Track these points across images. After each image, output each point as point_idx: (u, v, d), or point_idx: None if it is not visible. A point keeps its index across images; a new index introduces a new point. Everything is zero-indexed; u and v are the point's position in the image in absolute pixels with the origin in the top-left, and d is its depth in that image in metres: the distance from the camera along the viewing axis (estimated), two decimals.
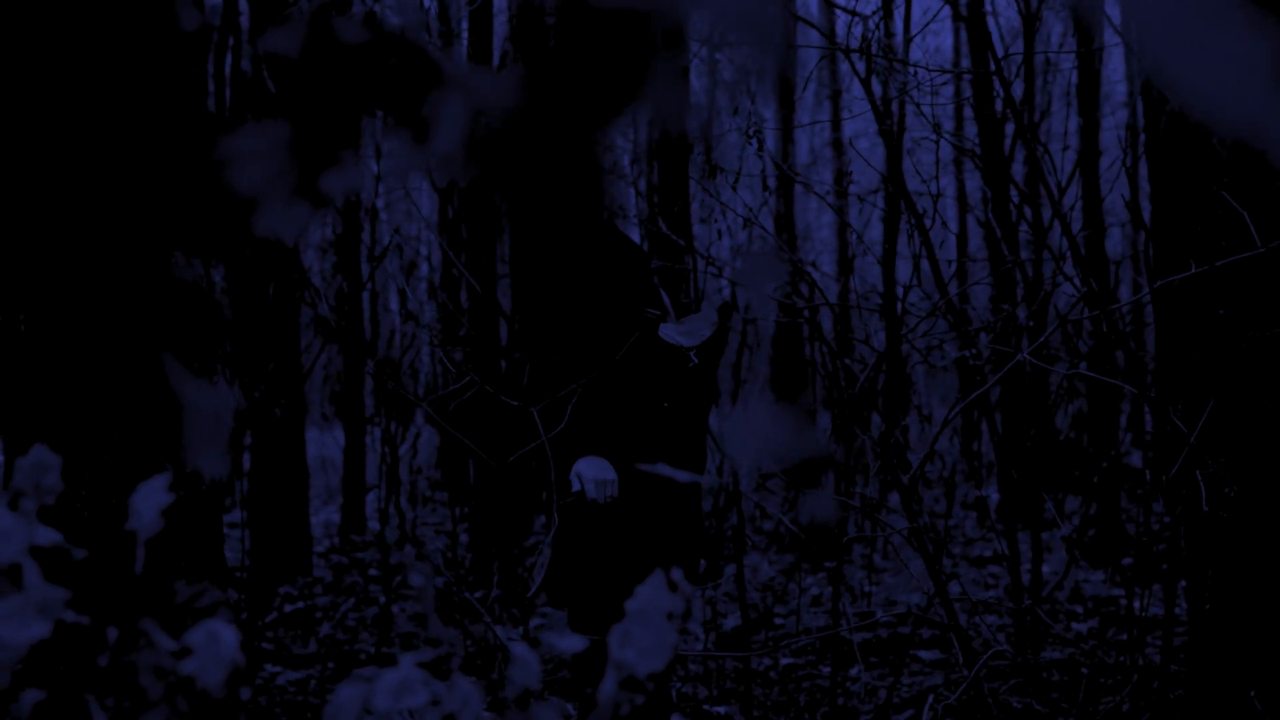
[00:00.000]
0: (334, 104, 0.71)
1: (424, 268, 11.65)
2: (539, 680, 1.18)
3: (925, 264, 4.29)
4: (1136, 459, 11.17)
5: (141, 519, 1.10)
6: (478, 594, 6.91)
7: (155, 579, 1.17)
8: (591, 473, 3.49)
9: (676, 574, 1.22)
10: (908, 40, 3.89)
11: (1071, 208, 4.00)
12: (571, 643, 1.15)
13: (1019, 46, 9.47)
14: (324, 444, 13.87)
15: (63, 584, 1.07)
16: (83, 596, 1.08)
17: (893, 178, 3.71)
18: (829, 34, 5.78)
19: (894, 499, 9.99)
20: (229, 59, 7.96)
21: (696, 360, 3.61)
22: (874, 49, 3.94)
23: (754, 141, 4.71)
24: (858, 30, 4.11)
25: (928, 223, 4.15)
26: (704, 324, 3.65)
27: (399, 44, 0.73)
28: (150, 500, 1.12)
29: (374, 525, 10.12)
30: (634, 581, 3.75)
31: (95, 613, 1.08)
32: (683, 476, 1.24)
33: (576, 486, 3.50)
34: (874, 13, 4.14)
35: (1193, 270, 3.10)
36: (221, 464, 0.90)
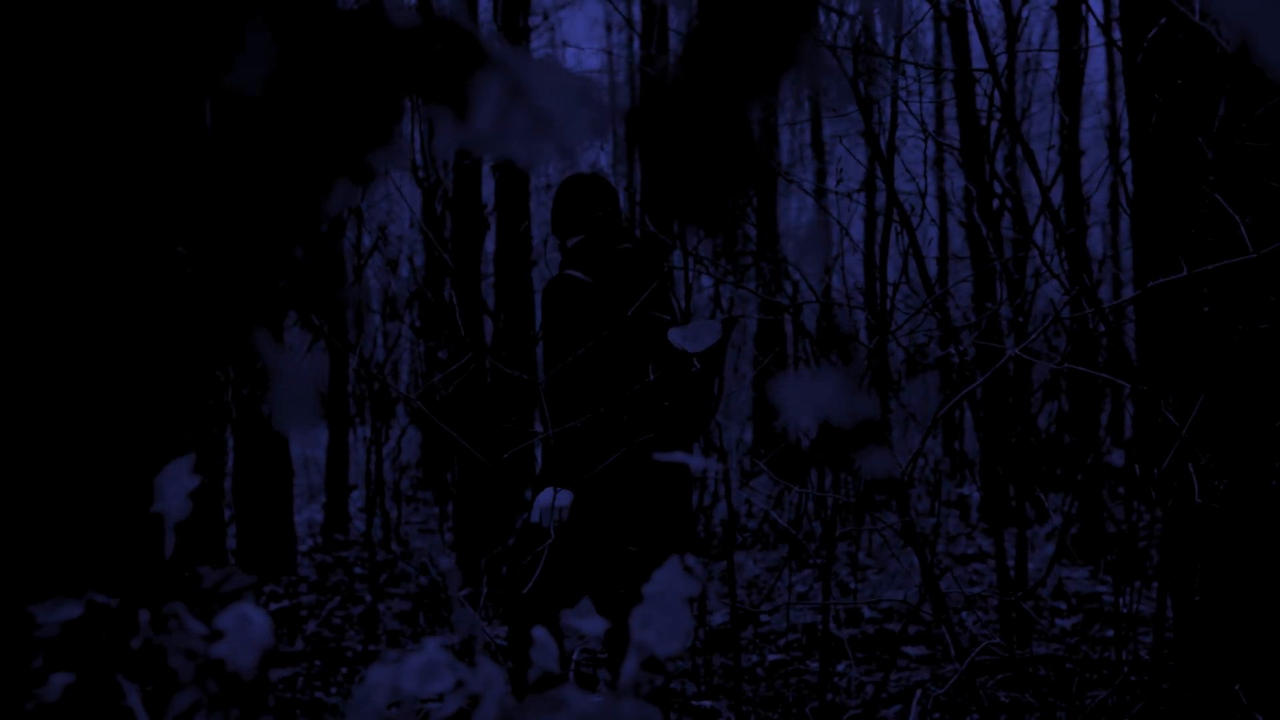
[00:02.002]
0: (382, 84, 0.73)
1: (405, 268, 11.64)
2: (558, 664, 1.19)
3: (905, 261, 4.32)
4: (1117, 458, 11.25)
5: (169, 502, 1.11)
6: (464, 591, 6.92)
7: (181, 563, 1.18)
8: (541, 500, 3.62)
9: (690, 560, 1.24)
10: (900, 39, 3.92)
11: (1060, 207, 4.03)
12: (593, 624, 1.17)
13: (1000, 47, 9.53)
14: (306, 443, 13.86)
15: (93, 567, 1.09)
16: (113, 579, 1.09)
17: (885, 176, 3.74)
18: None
19: (878, 498, 10.03)
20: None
21: (699, 365, 3.68)
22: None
23: None
24: (839, 30, 4.13)
25: (915, 221, 4.18)
26: (708, 331, 3.70)
27: (446, 27, 0.74)
28: (176, 484, 1.13)
29: (358, 524, 10.11)
30: (627, 576, 3.81)
31: (125, 595, 1.10)
32: (697, 464, 1.26)
33: (534, 518, 3.61)
34: (859, 12, 4.17)
35: (1185, 272, 3.13)
36: (312, 424, 0.91)
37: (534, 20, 11.76)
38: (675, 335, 3.66)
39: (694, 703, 4.67)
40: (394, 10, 0.73)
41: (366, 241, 9.16)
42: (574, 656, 4.46)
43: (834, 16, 4.02)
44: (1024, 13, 8.25)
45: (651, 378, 3.66)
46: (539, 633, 1.20)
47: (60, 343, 1.00)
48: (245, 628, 1.07)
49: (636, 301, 3.71)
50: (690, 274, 5.09)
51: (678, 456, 1.30)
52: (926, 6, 5.27)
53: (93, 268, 0.97)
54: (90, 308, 0.99)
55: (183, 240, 0.82)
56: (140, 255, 0.97)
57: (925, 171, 4.13)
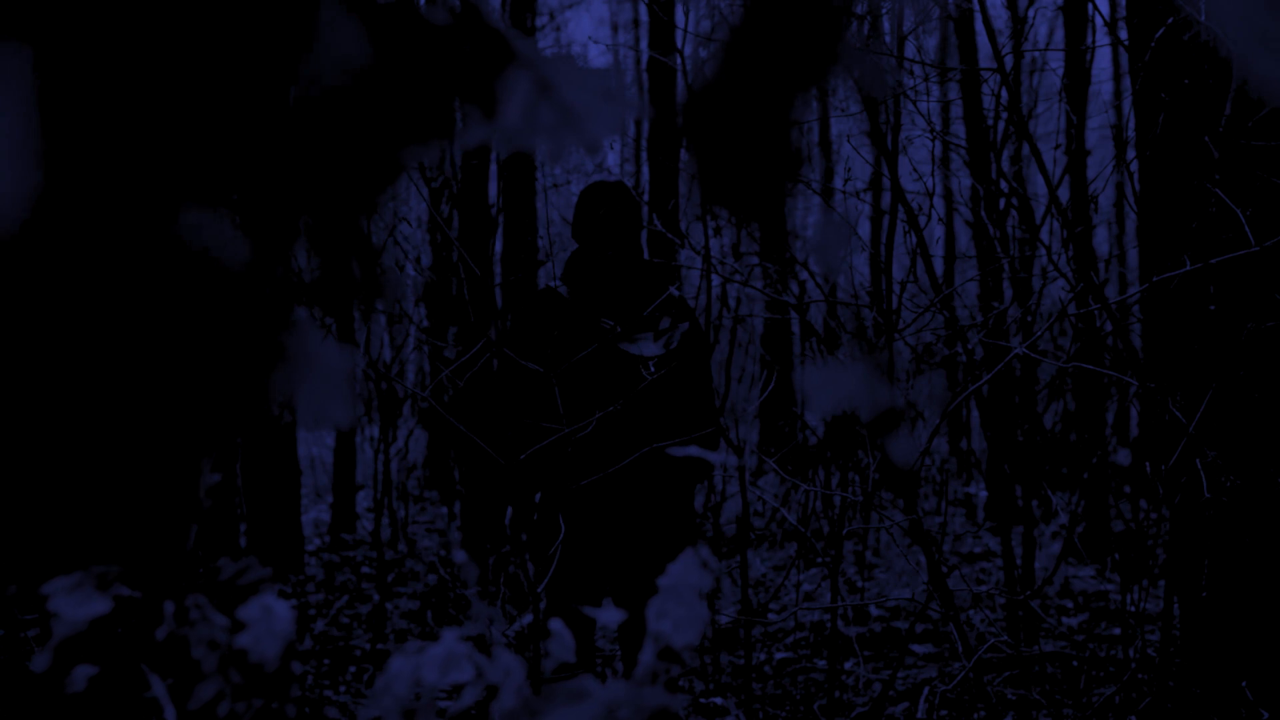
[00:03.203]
0: (418, 82, 0.75)
1: (410, 268, 11.65)
2: (574, 654, 1.21)
3: (912, 260, 4.33)
4: (1123, 456, 11.26)
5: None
6: (472, 591, 6.93)
7: (201, 557, 1.19)
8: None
9: (705, 552, 1.25)
10: (902, 39, 3.93)
11: (1066, 206, 4.04)
12: (611, 615, 1.19)
13: (1007, 47, 9.55)
14: (313, 443, 13.89)
15: (117, 558, 1.10)
16: (137, 571, 1.10)
17: (891, 175, 3.75)
18: None
19: (884, 497, 10.04)
20: None
21: (654, 370, 3.71)
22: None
23: None
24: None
25: (921, 220, 4.19)
26: (675, 337, 3.73)
27: (477, 26, 0.76)
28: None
29: (365, 524, 10.14)
30: (623, 575, 3.85)
31: (148, 588, 1.11)
32: (715, 458, 1.28)
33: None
34: (867, 12, 4.18)
35: (1188, 267, 3.15)
36: (347, 416, 0.92)
37: (540, 20, 11.79)
38: (629, 344, 3.71)
39: (703, 700, 4.69)
40: (427, 7, 0.75)
41: (375, 241, 9.17)
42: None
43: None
44: (1030, 13, 8.27)
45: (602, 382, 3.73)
46: (555, 624, 1.21)
47: (89, 338, 1.02)
48: (268, 619, 1.09)
49: (622, 313, 3.73)
50: (699, 272, 5.11)
51: (693, 450, 1.32)
52: (933, 7, 5.28)
53: (130, 260, 0.99)
54: (122, 302, 1.01)
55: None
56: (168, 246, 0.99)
57: (933, 171, 4.14)
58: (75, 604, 1.06)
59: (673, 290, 3.87)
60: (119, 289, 0.89)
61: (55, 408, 0.96)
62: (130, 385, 0.96)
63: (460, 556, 1.17)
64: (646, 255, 8.25)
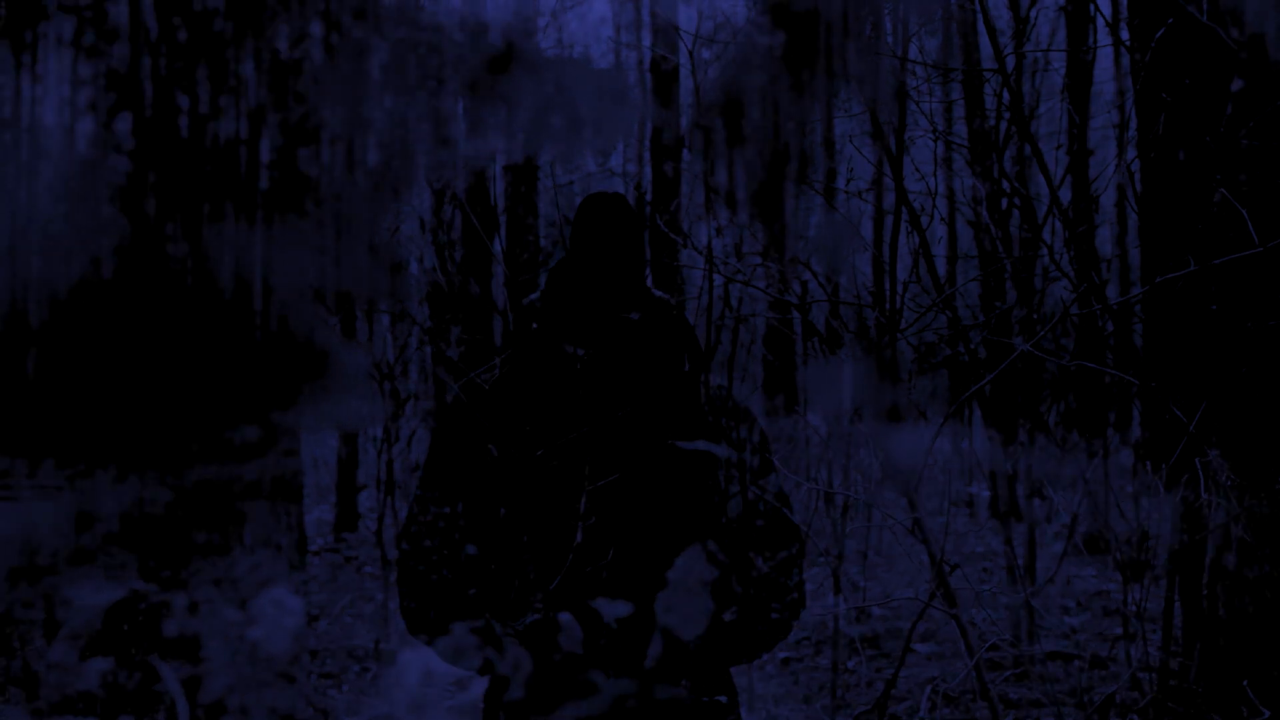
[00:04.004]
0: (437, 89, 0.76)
1: (414, 267, 11.66)
2: (581, 646, 1.22)
3: (915, 261, 4.34)
4: (1125, 456, 11.26)
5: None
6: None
7: (210, 553, 1.21)
8: None
9: (712, 546, 1.27)
10: (906, 40, 3.94)
11: (1068, 206, 4.05)
12: (617, 609, 1.20)
13: (1009, 48, 9.53)
14: (314, 443, 13.90)
15: (132, 552, 1.12)
16: (150, 565, 1.12)
17: (894, 176, 3.76)
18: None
19: (887, 494, 10.04)
20: None
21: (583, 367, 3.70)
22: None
23: None
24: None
25: (924, 221, 4.20)
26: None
27: (484, 30, 0.77)
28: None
29: (368, 523, 10.15)
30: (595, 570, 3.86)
31: (161, 581, 1.13)
32: (721, 451, 1.29)
33: None
34: (871, 13, 4.19)
35: (1192, 267, 3.16)
36: (360, 417, 0.94)
37: (542, 21, 11.80)
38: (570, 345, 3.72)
39: (704, 698, 4.70)
40: (441, 14, 0.76)
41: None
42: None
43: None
44: (1032, 13, 8.25)
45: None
46: (564, 616, 1.23)
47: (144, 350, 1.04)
48: (279, 613, 1.10)
49: (591, 321, 3.72)
50: (701, 273, 5.11)
51: (699, 445, 1.33)
52: (936, 8, 5.30)
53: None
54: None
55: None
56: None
57: (935, 171, 4.15)
58: (88, 592, 1.08)
59: (657, 292, 3.84)
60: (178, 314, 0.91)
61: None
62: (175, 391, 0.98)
63: (470, 550, 1.19)
64: (649, 256, 8.24)
